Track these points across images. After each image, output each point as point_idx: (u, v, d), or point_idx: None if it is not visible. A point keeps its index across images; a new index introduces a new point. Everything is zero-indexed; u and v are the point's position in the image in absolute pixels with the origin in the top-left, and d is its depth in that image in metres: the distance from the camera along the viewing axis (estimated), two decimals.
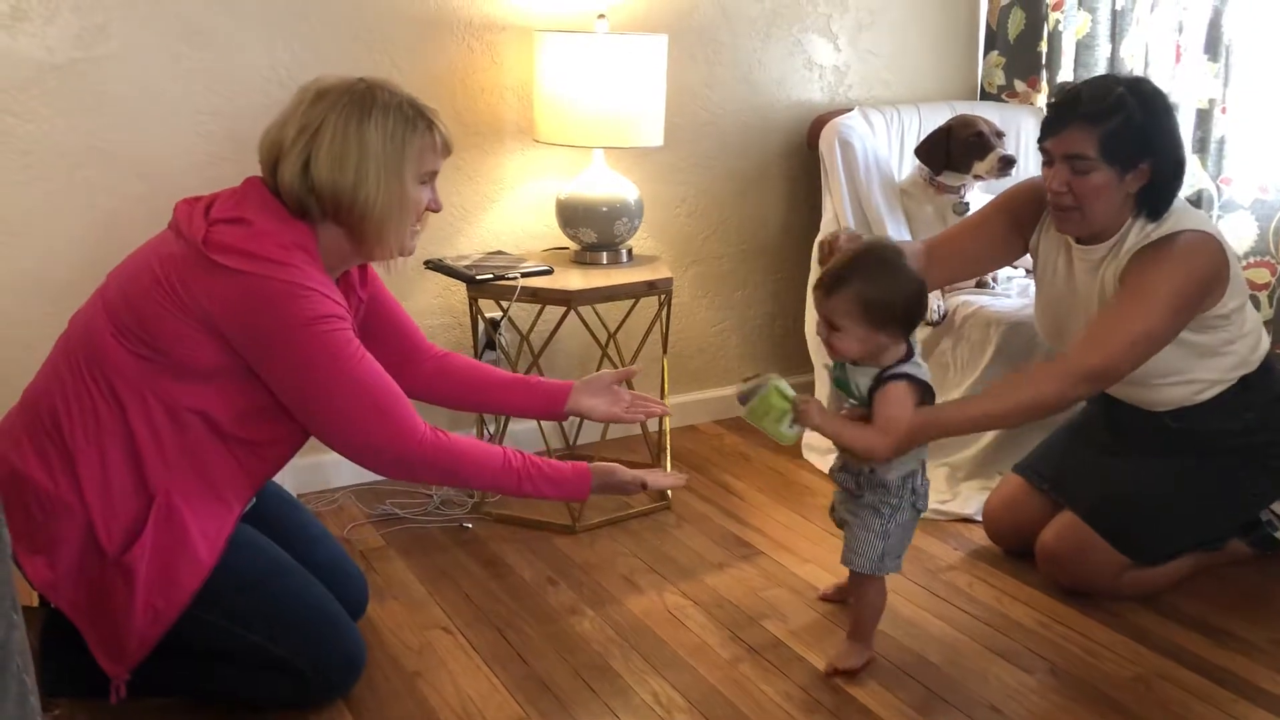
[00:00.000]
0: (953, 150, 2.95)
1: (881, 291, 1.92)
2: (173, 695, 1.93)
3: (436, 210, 1.94)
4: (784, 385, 2.00)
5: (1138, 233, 2.18)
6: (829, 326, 1.99)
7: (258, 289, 1.71)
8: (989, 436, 2.86)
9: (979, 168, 2.92)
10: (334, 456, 2.82)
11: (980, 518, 2.66)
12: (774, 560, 2.54)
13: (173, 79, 2.50)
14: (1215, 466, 2.30)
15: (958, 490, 2.84)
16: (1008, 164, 2.89)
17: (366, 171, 1.79)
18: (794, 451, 3.15)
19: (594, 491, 1.95)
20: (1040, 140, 2.21)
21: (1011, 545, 2.55)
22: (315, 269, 1.79)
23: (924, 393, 1.99)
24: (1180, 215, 2.18)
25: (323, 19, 2.63)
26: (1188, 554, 2.40)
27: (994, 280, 3.02)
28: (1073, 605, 2.33)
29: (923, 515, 2.13)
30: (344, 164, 1.78)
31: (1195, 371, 2.23)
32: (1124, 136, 2.10)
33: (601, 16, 2.79)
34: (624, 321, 2.92)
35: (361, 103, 1.80)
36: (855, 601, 2.14)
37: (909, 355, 1.99)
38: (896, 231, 3.04)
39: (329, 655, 1.89)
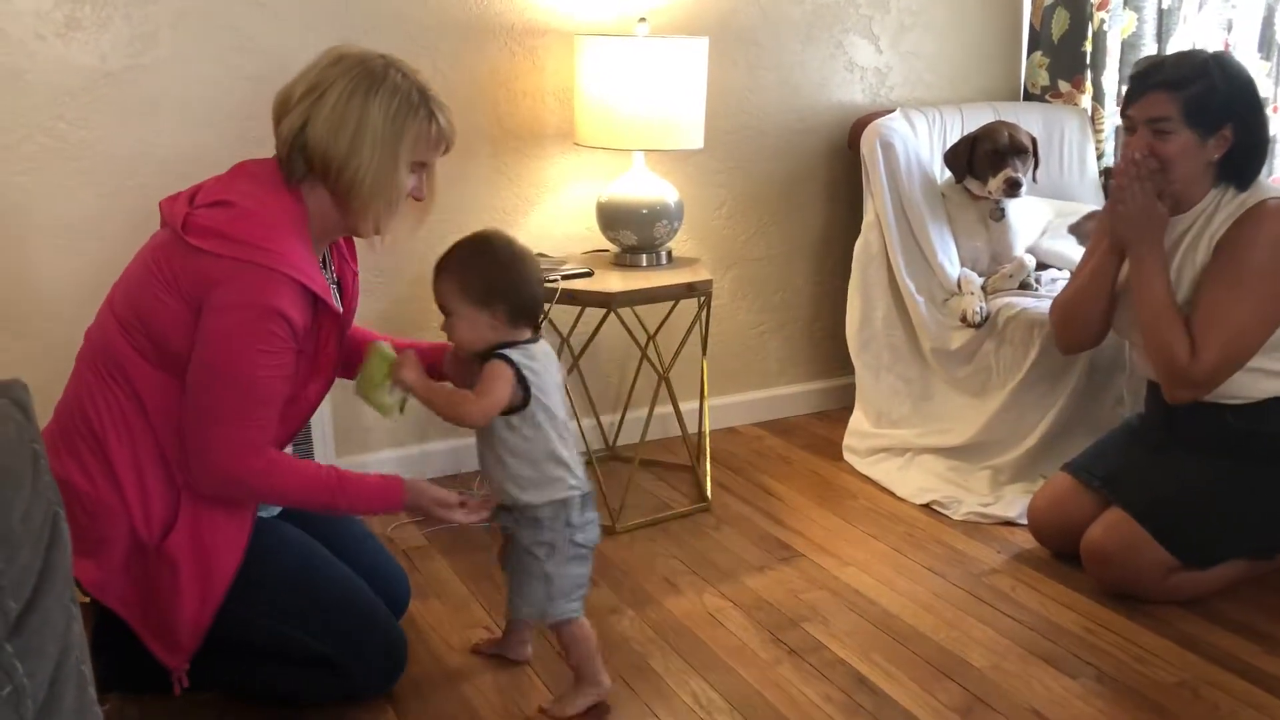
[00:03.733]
0: (974, 161, 2.95)
1: (479, 271, 1.88)
2: (218, 691, 1.97)
3: (419, 199, 1.92)
4: (386, 348, 1.91)
5: (1229, 202, 2.21)
6: (443, 314, 1.93)
7: (229, 270, 1.71)
8: (1033, 440, 2.83)
9: (991, 183, 2.91)
10: (380, 457, 2.87)
11: (1024, 521, 2.64)
12: (814, 563, 2.53)
13: (222, 85, 2.54)
14: (1275, 472, 2.27)
15: (1000, 493, 2.81)
16: (1012, 186, 2.88)
17: (362, 144, 1.78)
18: (835, 453, 3.14)
19: (407, 509, 1.91)
20: (1123, 110, 2.28)
21: (1056, 545, 2.53)
22: (299, 246, 1.77)
23: (523, 385, 1.87)
24: (1266, 185, 2.23)
25: (367, 26, 2.66)
26: (1237, 559, 2.36)
27: (1037, 281, 2.99)
28: (1119, 610, 2.31)
29: (584, 548, 1.94)
30: (341, 132, 1.78)
31: (1266, 361, 2.23)
32: (1207, 101, 2.16)
33: (642, 20, 2.80)
34: (664, 323, 2.93)
35: (372, 76, 1.80)
36: (563, 650, 2.00)
37: (525, 342, 1.90)
38: (939, 234, 3.03)
39: (371, 652, 1.91)
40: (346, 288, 2.02)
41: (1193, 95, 2.16)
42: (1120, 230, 2.28)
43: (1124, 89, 3.24)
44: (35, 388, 2.11)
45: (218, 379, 1.73)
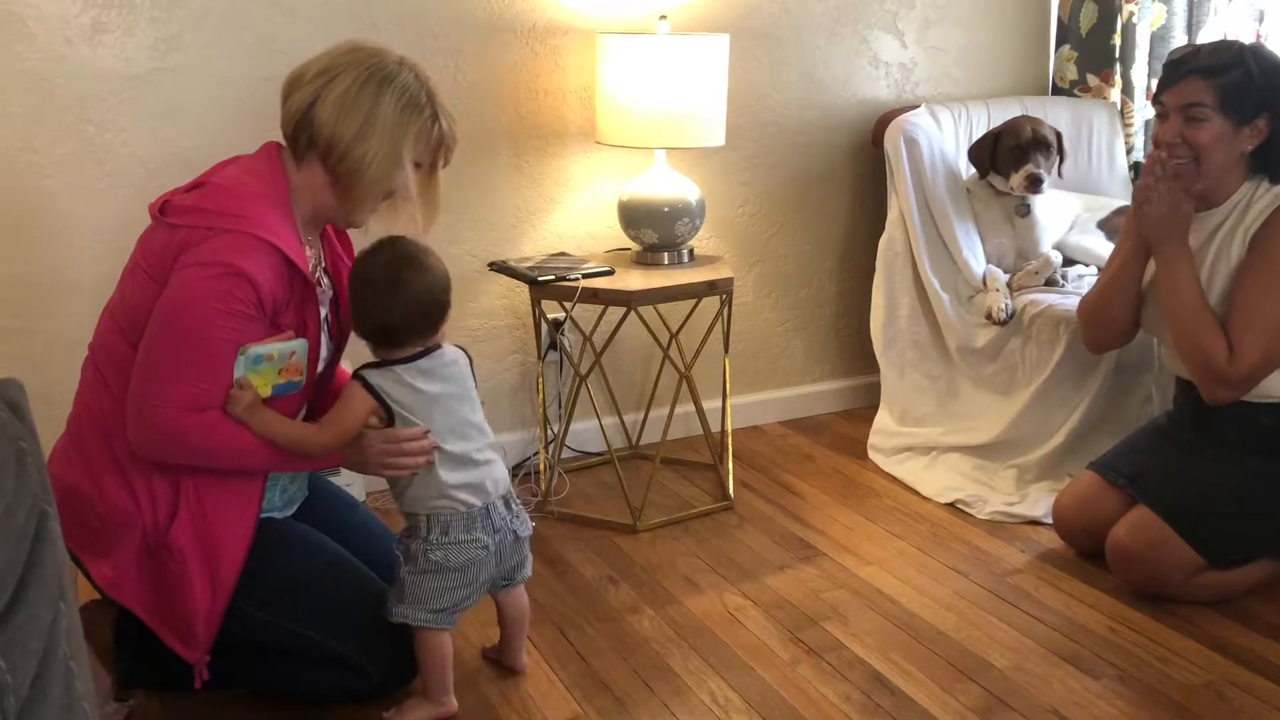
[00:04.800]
0: (997, 156, 2.92)
1: (350, 283, 1.88)
2: (240, 689, 1.99)
3: (406, 198, 1.90)
4: (242, 361, 1.78)
5: (1264, 194, 2.18)
6: None
7: (199, 237, 1.73)
8: (1059, 438, 2.80)
9: (1014, 179, 2.88)
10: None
11: (1049, 520, 2.61)
12: (836, 562, 2.52)
13: (244, 86, 2.57)
14: None
15: (1025, 492, 2.79)
16: (1034, 182, 2.84)
17: (371, 131, 1.80)
18: (859, 452, 3.12)
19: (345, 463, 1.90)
20: (1156, 96, 2.26)
21: (1081, 543, 2.50)
22: (275, 214, 1.78)
23: (384, 406, 1.83)
24: None
25: (389, 26, 2.68)
26: (1265, 559, 2.32)
27: (1064, 278, 2.96)
28: (1144, 610, 2.28)
29: (444, 569, 1.86)
30: (350, 116, 1.80)
31: None
32: (1243, 89, 2.14)
33: (663, 18, 2.79)
34: (686, 322, 2.92)
35: (386, 70, 1.83)
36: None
37: (402, 360, 1.85)
38: (964, 231, 3.00)
39: (387, 650, 1.92)
40: (341, 286, 2.02)
41: (1228, 82, 2.13)
42: (1146, 230, 2.25)
43: (1153, 82, 3.22)
44: (57, 387, 2.15)
45: (171, 334, 1.73)
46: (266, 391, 1.82)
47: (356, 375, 1.86)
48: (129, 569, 1.80)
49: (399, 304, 1.84)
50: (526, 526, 1.99)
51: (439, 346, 1.90)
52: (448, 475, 1.87)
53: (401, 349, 1.87)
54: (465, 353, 1.96)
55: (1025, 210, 2.94)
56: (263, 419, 1.80)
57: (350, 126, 1.80)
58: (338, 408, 1.85)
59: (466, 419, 1.92)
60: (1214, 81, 2.15)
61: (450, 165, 2.01)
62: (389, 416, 1.85)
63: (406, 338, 1.86)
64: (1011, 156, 2.88)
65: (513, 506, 1.97)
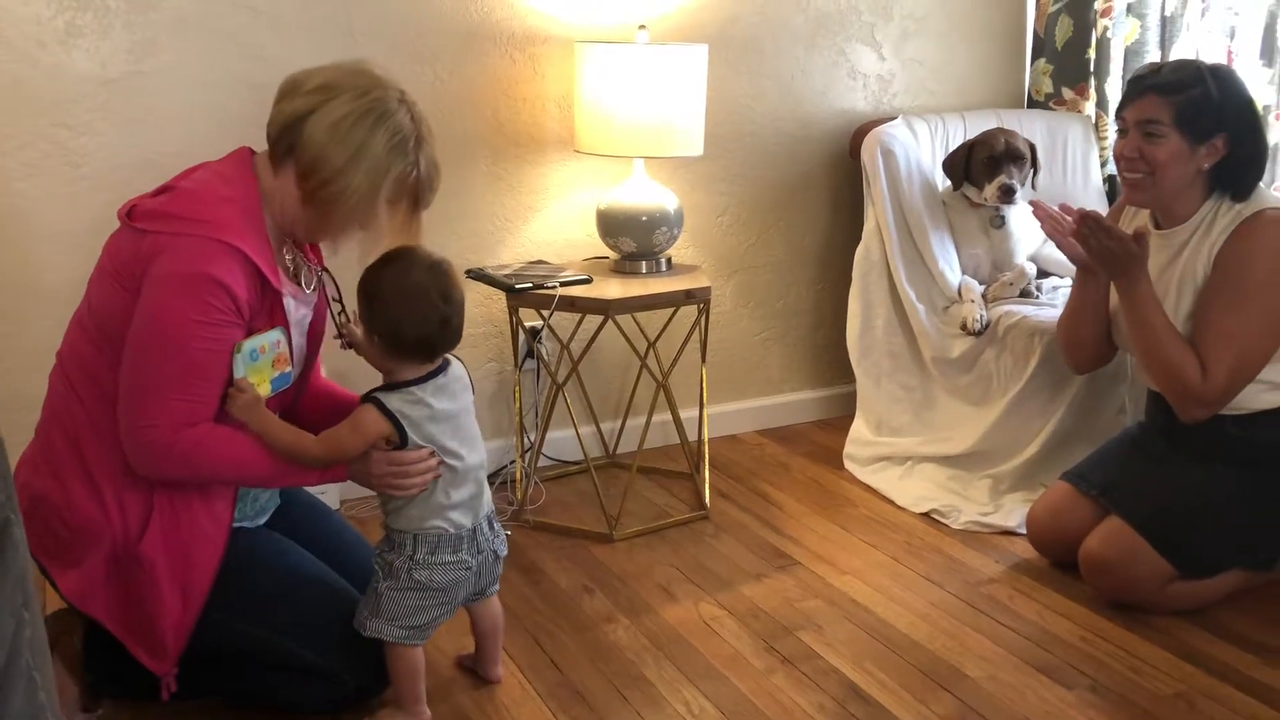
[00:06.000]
0: (972, 167, 2.94)
1: (366, 296, 1.85)
2: (212, 699, 1.97)
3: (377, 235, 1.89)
4: (240, 359, 1.79)
5: (1227, 212, 2.21)
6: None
7: (166, 243, 1.72)
8: (1034, 448, 2.82)
9: (987, 190, 2.90)
10: None
11: (1023, 530, 2.63)
12: (811, 571, 2.53)
13: (222, 92, 2.55)
14: (1273, 482, 2.25)
15: (1000, 502, 2.80)
16: (1006, 192, 2.87)
17: (358, 166, 1.79)
18: (835, 462, 3.13)
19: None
20: (1118, 112, 2.30)
21: (1054, 553, 2.51)
22: (241, 220, 1.76)
23: (397, 429, 1.82)
24: (1265, 195, 2.23)
25: (368, 33, 2.67)
26: (1236, 569, 2.34)
27: (1038, 290, 2.98)
28: (1117, 620, 2.29)
29: (427, 588, 1.85)
30: (341, 144, 1.78)
31: (1268, 372, 2.22)
32: (1199, 108, 2.18)
33: (642, 27, 2.80)
34: (663, 331, 2.93)
35: (386, 105, 1.81)
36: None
37: (417, 381, 1.84)
38: (940, 242, 3.02)
39: (361, 659, 1.91)
40: (320, 289, 2.01)
41: (1186, 101, 2.17)
42: (1102, 267, 2.28)
43: None
44: (29, 392, 2.13)
45: (154, 351, 1.71)
46: (266, 389, 1.82)
47: (370, 398, 1.84)
48: (97, 580, 1.78)
49: (442, 315, 1.82)
50: (505, 546, 2.00)
51: (447, 362, 1.90)
52: (452, 493, 1.86)
53: (408, 362, 1.85)
54: (461, 362, 1.96)
55: (1000, 222, 2.96)
56: (260, 418, 1.79)
57: (339, 155, 1.78)
58: (345, 427, 1.82)
59: (473, 433, 1.92)
60: (1172, 99, 2.18)
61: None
62: (402, 440, 1.83)
63: (438, 350, 1.85)
64: (985, 168, 2.91)
65: (494, 526, 1.97)
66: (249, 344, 1.78)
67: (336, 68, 1.85)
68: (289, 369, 1.88)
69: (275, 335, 1.83)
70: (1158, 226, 2.33)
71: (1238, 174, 2.21)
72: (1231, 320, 2.17)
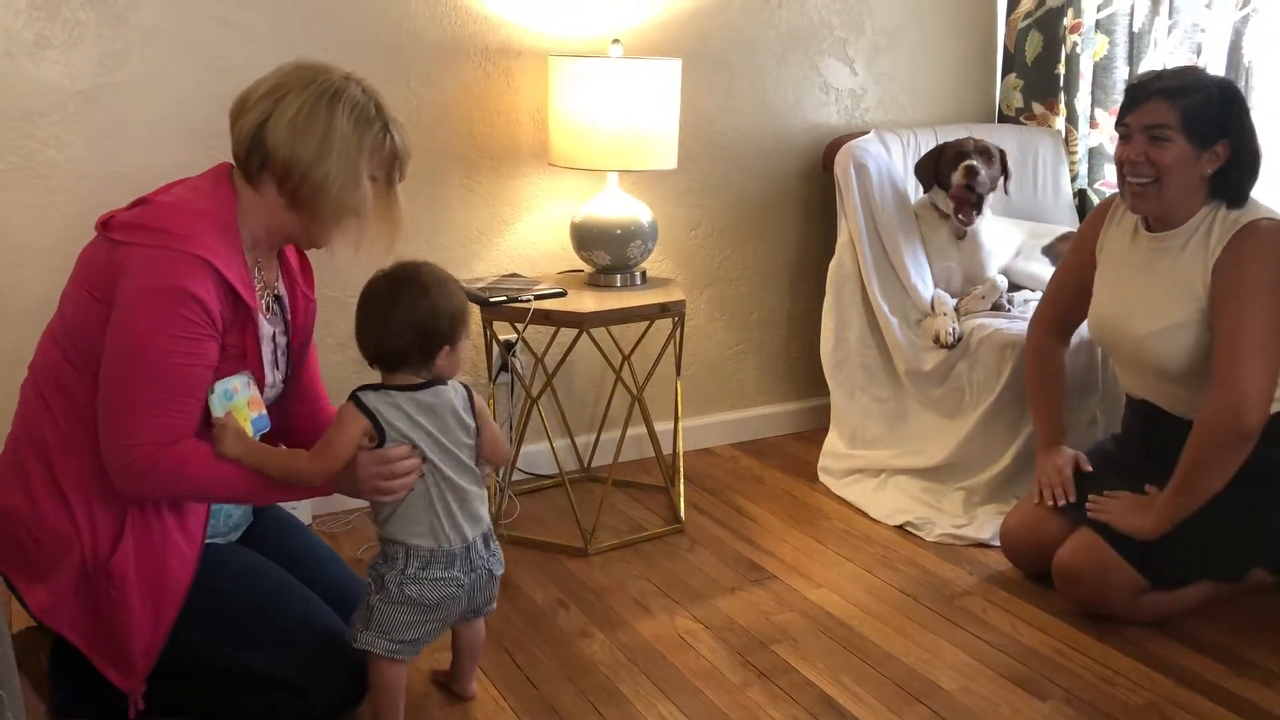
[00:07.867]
0: (941, 167, 2.98)
1: (360, 305, 1.86)
2: (180, 715, 1.94)
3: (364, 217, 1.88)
4: (216, 400, 1.78)
5: (1223, 221, 2.22)
6: None
7: (138, 257, 1.71)
8: (1006, 460, 2.83)
9: (954, 176, 2.93)
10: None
11: (996, 542, 2.64)
12: (786, 584, 2.52)
13: (193, 104, 2.54)
14: (1247, 497, 2.26)
15: (974, 515, 2.81)
16: (971, 174, 2.90)
17: (329, 151, 1.78)
18: (810, 474, 3.14)
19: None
20: (1119, 119, 2.29)
21: (1028, 565, 2.53)
22: (214, 233, 1.75)
23: (376, 426, 1.81)
24: (1258, 205, 2.25)
25: (340, 46, 2.66)
26: (1205, 581, 2.36)
27: (1010, 303, 3.00)
28: (1090, 632, 2.30)
29: (418, 603, 1.83)
30: (306, 138, 1.77)
31: None
32: (1204, 113, 2.18)
33: (616, 41, 2.81)
34: (638, 344, 2.92)
35: (334, 86, 1.81)
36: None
37: (401, 387, 1.83)
38: (912, 255, 3.04)
39: (333, 675, 1.89)
40: (297, 309, 2.00)
41: (1191, 105, 2.18)
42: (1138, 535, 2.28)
43: (1096, 111, 3.29)
44: None
45: (131, 370, 1.70)
46: (248, 431, 1.82)
47: (351, 395, 1.83)
48: (66, 595, 1.76)
49: (392, 325, 1.81)
50: (501, 565, 1.98)
51: (442, 382, 1.87)
52: (436, 508, 1.85)
53: (394, 375, 1.84)
54: (467, 389, 1.93)
55: (963, 233, 2.99)
56: (254, 450, 1.79)
57: (308, 148, 1.78)
58: (331, 430, 1.82)
59: (459, 460, 1.87)
60: (1177, 103, 2.19)
61: (402, 184, 1.99)
62: (380, 438, 1.82)
63: (399, 363, 1.83)
64: (953, 164, 2.94)
65: (490, 545, 1.95)
66: (221, 384, 1.77)
67: (277, 71, 1.84)
68: (263, 410, 1.87)
69: (244, 378, 1.83)
70: (1149, 229, 2.34)
71: (1236, 181, 2.21)
72: (1242, 356, 2.15)
